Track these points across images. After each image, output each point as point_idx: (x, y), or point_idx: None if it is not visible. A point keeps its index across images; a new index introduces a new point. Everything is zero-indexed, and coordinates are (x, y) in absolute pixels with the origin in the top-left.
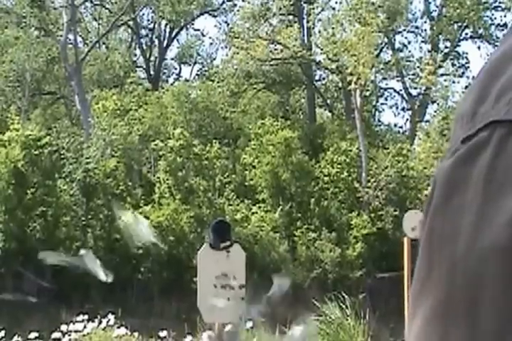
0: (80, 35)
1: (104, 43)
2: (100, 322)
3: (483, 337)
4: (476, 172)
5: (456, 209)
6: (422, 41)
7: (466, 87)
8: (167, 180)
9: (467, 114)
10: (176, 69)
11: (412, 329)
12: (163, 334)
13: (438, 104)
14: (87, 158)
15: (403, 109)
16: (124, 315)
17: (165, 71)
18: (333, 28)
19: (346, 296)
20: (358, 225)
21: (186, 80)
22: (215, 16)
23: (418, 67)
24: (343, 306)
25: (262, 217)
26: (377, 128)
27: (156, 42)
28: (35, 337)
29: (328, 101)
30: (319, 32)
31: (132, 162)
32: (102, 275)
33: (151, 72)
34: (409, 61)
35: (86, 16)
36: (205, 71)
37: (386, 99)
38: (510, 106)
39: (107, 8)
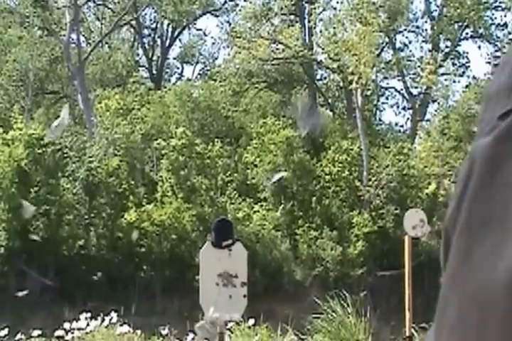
0: (83, 35)
1: (106, 43)
2: (103, 320)
3: None
4: None
5: (503, 184)
6: (423, 41)
7: (467, 87)
8: (169, 178)
9: (503, 89)
10: (178, 68)
11: (448, 319)
12: (165, 331)
13: (439, 103)
14: (89, 157)
15: (404, 108)
16: (127, 312)
17: (167, 70)
18: (334, 28)
19: (347, 294)
20: (359, 223)
21: (188, 80)
22: (217, 16)
23: (419, 66)
24: (345, 304)
25: (263, 215)
26: (378, 127)
27: (159, 41)
28: (39, 335)
29: (330, 101)
30: (320, 31)
31: (135, 161)
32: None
33: (154, 72)
34: (410, 60)
35: (89, 16)
36: (207, 70)
37: (387, 99)
38: None
39: (109, 8)
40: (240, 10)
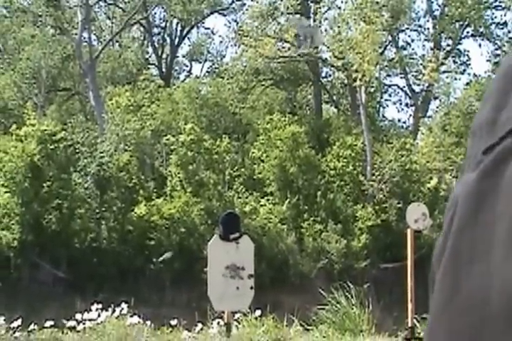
0: (94, 34)
1: (117, 41)
2: (114, 311)
3: None
4: (505, 183)
5: (486, 224)
6: (425, 39)
7: (468, 84)
8: (178, 173)
9: (486, 123)
10: (187, 66)
11: None
12: (174, 322)
13: (440, 100)
14: (101, 153)
15: (406, 104)
16: (137, 304)
17: (176, 68)
18: (338, 27)
19: (352, 286)
20: (363, 217)
21: (197, 77)
22: (224, 15)
23: (421, 64)
24: (349, 295)
25: (270, 209)
26: (381, 124)
27: (168, 40)
28: (51, 326)
29: (334, 98)
30: (325, 30)
31: (145, 156)
32: None
33: (163, 69)
34: (413, 58)
35: (100, 15)
36: (215, 68)
37: (390, 96)
38: None
39: (120, 8)
40: (247, 9)
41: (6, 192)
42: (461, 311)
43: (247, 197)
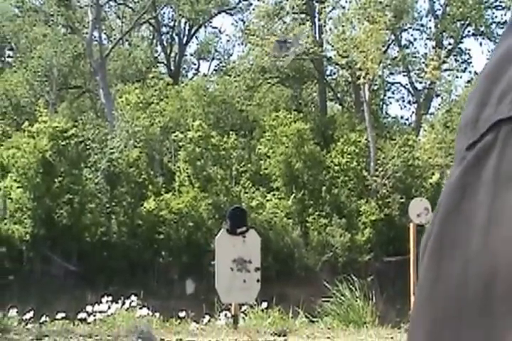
0: (105, 33)
1: (127, 40)
2: (124, 303)
3: (502, 334)
4: (485, 174)
5: (467, 212)
6: (427, 38)
7: (469, 82)
8: (187, 169)
9: (470, 121)
10: (194, 64)
11: (417, 337)
12: (182, 314)
13: (442, 97)
14: (111, 149)
15: (409, 102)
16: (146, 296)
17: (184, 66)
18: (343, 26)
19: (355, 279)
20: (367, 212)
21: (205, 75)
22: (231, 15)
23: (423, 62)
24: (353, 288)
25: (276, 204)
26: (384, 121)
27: (176, 39)
28: (62, 318)
29: (339, 95)
30: (330, 29)
31: (154, 152)
32: None
33: (172, 68)
34: (415, 57)
35: (110, 15)
36: (223, 66)
37: (393, 93)
38: None
39: (130, 7)
40: (253, 9)
41: (18, 187)
42: (443, 296)
43: (253, 192)
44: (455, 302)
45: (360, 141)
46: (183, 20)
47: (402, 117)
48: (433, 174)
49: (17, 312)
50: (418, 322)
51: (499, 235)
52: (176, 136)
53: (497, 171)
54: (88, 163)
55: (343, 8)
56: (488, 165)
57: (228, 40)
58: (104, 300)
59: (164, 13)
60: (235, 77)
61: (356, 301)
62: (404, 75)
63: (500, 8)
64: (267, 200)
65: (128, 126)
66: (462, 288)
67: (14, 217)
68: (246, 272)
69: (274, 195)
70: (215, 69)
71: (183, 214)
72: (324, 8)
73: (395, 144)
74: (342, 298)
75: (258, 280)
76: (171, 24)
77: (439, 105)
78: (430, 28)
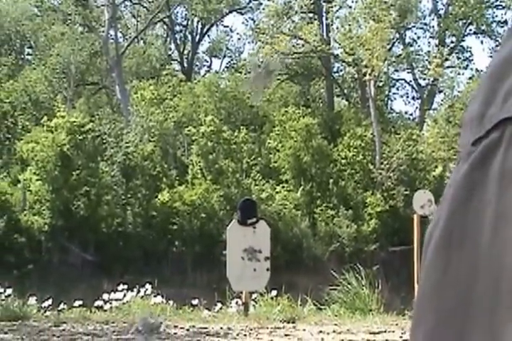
0: (120, 31)
1: (142, 38)
2: (138, 292)
3: (504, 326)
4: (492, 172)
5: (476, 208)
6: (430, 36)
7: (470, 78)
8: (199, 162)
9: (476, 117)
10: (207, 62)
11: (422, 331)
12: (195, 302)
13: (444, 93)
14: (126, 143)
15: (413, 98)
16: (160, 285)
17: (197, 64)
18: (349, 25)
19: (362, 268)
20: (372, 203)
21: (216, 72)
22: (242, 14)
23: (426, 60)
24: (359, 277)
25: (285, 195)
26: (389, 116)
27: (189, 37)
28: (80, 305)
29: (345, 91)
30: (337, 28)
31: (168, 146)
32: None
33: (185, 65)
34: (419, 54)
35: (125, 14)
36: (234, 64)
37: (397, 89)
38: None
39: (144, 7)
40: (263, 8)
41: (37, 179)
42: (451, 291)
43: (263, 185)
44: (463, 294)
45: (365, 136)
46: (196, 19)
47: (406, 112)
48: (436, 167)
49: (36, 300)
50: (424, 310)
51: (506, 232)
52: (188, 130)
53: (503, 169)
54: (104, 156)
55: (350, 7)
56: (495, 162)
57: (239, 39)
58: (119, 288)
59: (178, 12)
60: (245, 73)
61: (362, 289)
62: (408, 72)
63: (500, 7)
64: (277, 192)
65: (143, 121)
66: (471, 280)
67: (33, 208)
68: (256, 261)
69: (283, 187)
70: (226, 67)
71: (195, 205)
72: (331, 7)
73: (400, 138)
74: (349, 286)
75: (268, 269)
76: (184, 23)
77: (442, 101)
78: (433, 26)
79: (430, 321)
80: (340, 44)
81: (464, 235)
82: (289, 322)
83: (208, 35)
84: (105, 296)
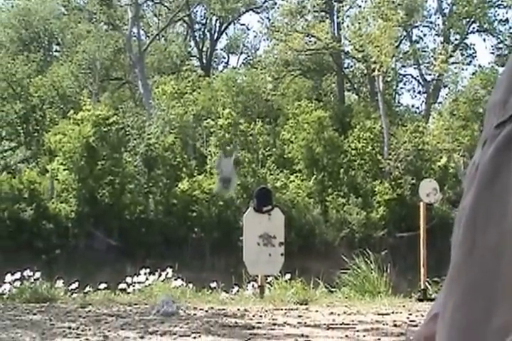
0: (143, 29)
1: (163, 36)
2: (160, 275)
3: None
4: None
5: (502, 189)
6: (436, 34)
7: (473, 74)
8: (217, 153)
9: (499, 103)
10: (224, 58)
11: (452, 300)
12: (213, 285)
13: (449, 88)
14: (148, 135)
15: (419, 92)
16: (181, 268)
17: (215, 60)
18: (359, 23)
19: (370, 253)
20: (381, 192)
21: (234, 68)
22: (258, 13)
23: (432, 56)
24: (368, 261)
25: (298, 184)
26: (397, 109)
27: (208, 35)
28: (104, 288)
29: (355, 86)
30: (347, 26)
31: (187, 138)
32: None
33: (204, 61)
34: (425, 51)
35: (148, 13)
36: (250, 60)
37: (404, 84)
38: None
39: (165, 6)
40: (278, 7)
41: (64, 169)
42: (479, 262)
43: (278, 174)
44: (491, 270)
45: (374, 128)
46: (214, 18)
47: (412, 106)
48: (441, 157)
49: (63, 283)
50: (454, 284)
51: None
52: (207, 123)
53: None
54: (128, 147)
55: (360, 7)
56: None
57: (255, 36)
58: (142, 272)
59: (197, 11)
60: (261, 69)
61: (371, 273)
62: (414, 68)
63: (502, 6)
64: (290, 181)
65: (164, 114)
66: (498, 257)
67: (61, 196)
68: (271, 246)
69: (296, 176)
70: (243, 63)
71: (213, 194)
72: (342, 6)
73: (407, 130)
74: (358, 270)
75: (282, 254)
76: (203, 21)
77: (447, 95)
78: (438, 25)
79: (459, 293)
80: (350, 41)
81: (488, 219)
82: (302, 304)
83: (226, 33)
84: (128, 279)
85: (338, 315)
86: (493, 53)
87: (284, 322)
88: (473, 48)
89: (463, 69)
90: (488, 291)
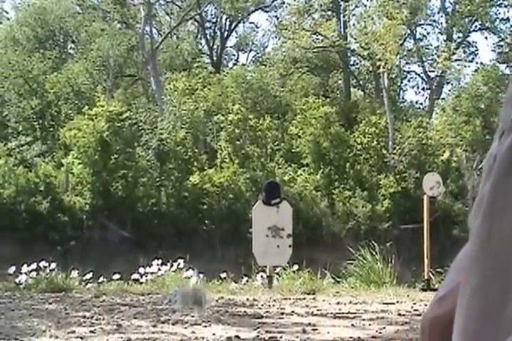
0: (155, 27)
1: (174, 34)
2: (172, 266)
3: None
4: None
5: None
6: (439, 32)
7: (475, 71)
8: (227, 147)
9: None
10: (234, 55)
11: (469, 287)
12: (223, 275)
13: (452, 84)
14: (160, 130)
15: (423, 88)
16: (192, 259)
17: (225, 57)
18: (365, 22)
19: (376, 244)
20: (386, 185)
21: (243, 65)
22: (267, 12)
23: (435, 53)
24: (373, 252)
25: (306, 178)
26: (401, 105)
27: (218, 33)
28: (118, 278)
29: (361, 83)
30: (353, 25)
31: (198, 133)
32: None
33: (214, 58)
34: (428, 49)
35: (160, 12)
36: (259, 57)
37: (409, 81)
38: None
39: (177, 5)
40: (286, 6)
41: (79, 163)
42: (495, 250)
43: (286, 168)
44: (507, 258)
45: (379, 123)
46: (224, 17)
47: (416, 102)
48: (444, 152)
49: (78, 273)
50: (472, 269)
51: None
52: (217, 118)
53: None
54: (140, 142)
55: (365, 6)
56: None
57: (264, 34)
58: (154, 262)
59: (207, 10)
60: (269, 66)
61: (376, 264)
62: (418, 65)
63: (503, 5)
64: (298, 175)
65: (175, 109)
66: (511, 246)
67: (75, 189)
68: (279, 238)
69: (304, 170)
70: (252, 60)
71: (224, 187)
72: (348, 5)
73: (411, 126)
74: (364, 261)
75: (290, 246)
76: (214, 20)
77: (449, 91)
78: (441, 23)
79: (476, 281)
80: (356, 39)
81: (505, 208)
82: (309, 294)
83: (236, 31)
84: (141, 270)
85: (345, 304)
86: (494, 51)
87: (292, 312)
88: (475, 46)
89: (465, 67)
90: (503, 279)
